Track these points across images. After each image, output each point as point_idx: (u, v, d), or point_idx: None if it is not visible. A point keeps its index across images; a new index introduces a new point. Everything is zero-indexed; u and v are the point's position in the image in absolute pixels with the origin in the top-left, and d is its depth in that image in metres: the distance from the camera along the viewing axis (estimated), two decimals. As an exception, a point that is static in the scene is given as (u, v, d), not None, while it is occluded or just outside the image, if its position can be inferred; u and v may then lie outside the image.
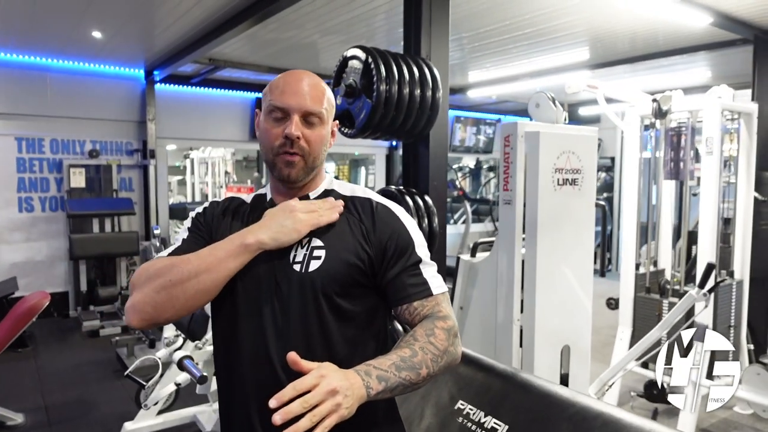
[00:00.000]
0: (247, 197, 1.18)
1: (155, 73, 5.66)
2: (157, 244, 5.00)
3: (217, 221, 1.13)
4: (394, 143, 8.03)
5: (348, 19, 4.15)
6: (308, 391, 0.83)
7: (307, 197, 1.12)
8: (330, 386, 0.85)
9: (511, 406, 1.27)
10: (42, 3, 3.69)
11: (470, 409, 1.32)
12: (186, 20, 4.11)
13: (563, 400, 1.21)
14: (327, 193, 1.13)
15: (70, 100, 5.48)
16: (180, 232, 1.14)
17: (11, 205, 5.31)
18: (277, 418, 0.80)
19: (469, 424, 1.30)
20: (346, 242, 1.05)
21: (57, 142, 5.49)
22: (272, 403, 0.82)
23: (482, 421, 1.28)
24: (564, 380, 2.53)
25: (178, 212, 8.17)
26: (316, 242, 1.05)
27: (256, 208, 1.12)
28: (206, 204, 1.18)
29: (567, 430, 1.15)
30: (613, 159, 8.28)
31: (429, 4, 2.24)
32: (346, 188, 1.15)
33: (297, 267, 1.03)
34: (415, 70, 2.11)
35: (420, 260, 1.07)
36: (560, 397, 1.22)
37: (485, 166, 10.09)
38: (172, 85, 6.02)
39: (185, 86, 6.12)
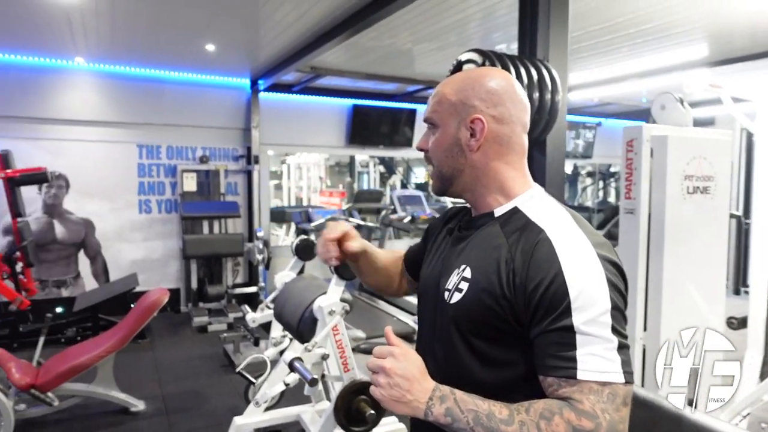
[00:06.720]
0: None
1: (260, 82, 5.94)
2: (260, 245, 5.22)
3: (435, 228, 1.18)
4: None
5: (442, 27, 4.15)
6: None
7: (490, 215, 0.99)
8: (384, 364, 0.87)
9: (659, 437, 1.17)
10: (166, 20, 3.99)
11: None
12: (290, 32, 4.26)
13: (723, 435, 1.09)
14: (512, 213, 0.96)
15: (184, 109, 5.88)
16: None
17: (132, 207, 5.78)
18: None
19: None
20: (489, 280, 0.90)
21: (172, 149, 5.91)
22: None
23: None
24: (691, 405, 2.33)
25: (277, 215, 8.53)
26: (466, 273, 0.95)
27: (462, 216, 1.11)
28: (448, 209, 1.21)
29: (732, 470, 1.03)
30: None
31: (547, 3, 2.15)
32: (535, 210, 0.95)
33: (446, 295, 0.97)
34: (534, 72, 2.03)
35: (572, 326, 0.81)
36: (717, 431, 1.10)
37: (583, 172, 9.66)
38: (274, 93, 6.28)
39: (287, 94, 6.37)
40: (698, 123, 2.60)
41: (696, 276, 2.31)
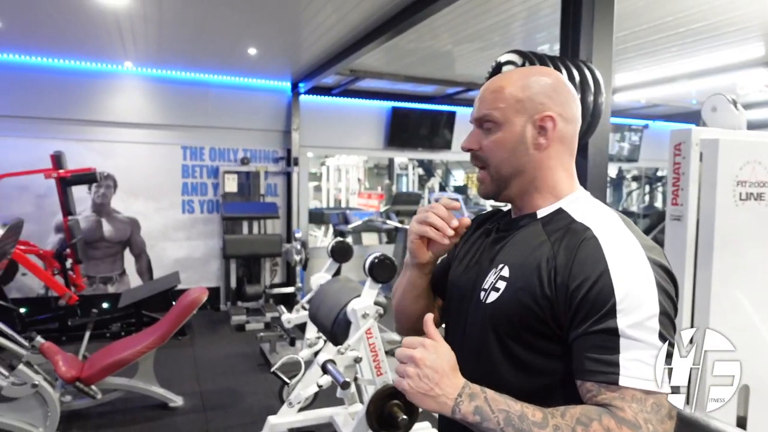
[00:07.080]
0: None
1: (300, 85, 6.01)
2: (298, 246, 5.27)
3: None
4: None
5: (484, 27, 4.10)
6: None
7: (533, 216, 0.95)
8: (415, 354, 0.84)
9: (703, 457, 1.10)
10: (211, 25, 4.08)
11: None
12: (330, 35, 4.29)
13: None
14: (555, 214, 0.93)
15: (227, 111, 6.00)
16: None
17: (176, 207, 5.94)
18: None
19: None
20: (528, 278, 0.86)
21: (215, 151, 6.05)
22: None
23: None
24: (741, 424, 2.20)
25: (316, 217, 8.62)
26: (504, 272, 0.91)
27: (500, 218, 1.06)
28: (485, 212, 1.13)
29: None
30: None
31: (591, 3, 2.08)
32: (581, 211, 0.91)
33: (482, 295, 0.94)
34: (576, 73, 1.96)
35: (616, 329, 0.77)
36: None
37: (628, 176, 9.36)
38: (314, 96, 6.34)
39: (326, 96, 6.42)
40: (752, 126, 2.47)
41: (748, 287, 2.18)
